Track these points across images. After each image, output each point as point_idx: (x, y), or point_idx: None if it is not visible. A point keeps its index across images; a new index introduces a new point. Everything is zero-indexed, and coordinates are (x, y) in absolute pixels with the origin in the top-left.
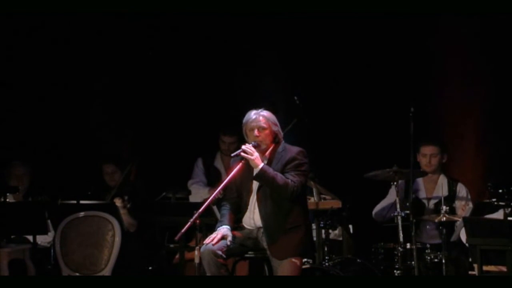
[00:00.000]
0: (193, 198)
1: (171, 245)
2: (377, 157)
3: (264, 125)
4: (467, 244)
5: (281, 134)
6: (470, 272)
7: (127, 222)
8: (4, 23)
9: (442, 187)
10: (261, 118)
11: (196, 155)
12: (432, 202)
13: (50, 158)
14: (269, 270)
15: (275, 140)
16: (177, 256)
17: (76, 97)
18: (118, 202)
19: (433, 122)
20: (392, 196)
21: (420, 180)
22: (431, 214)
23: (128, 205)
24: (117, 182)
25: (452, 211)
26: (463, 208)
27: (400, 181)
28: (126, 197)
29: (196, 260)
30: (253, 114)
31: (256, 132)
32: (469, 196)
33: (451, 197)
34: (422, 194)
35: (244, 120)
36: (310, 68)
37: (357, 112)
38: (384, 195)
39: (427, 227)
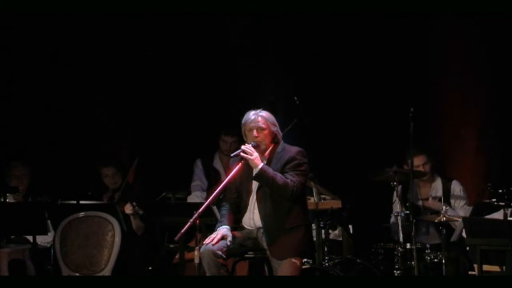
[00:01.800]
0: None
1: (171, 245)
2: (377, 157)
3: (263, 126)
4: None
5: (280, 134)
6: (470, 272)
7: (136, 225)
8: (4, 22)
9: (436, 188)
10: (259, 118)
11: (196, 156)
12: (425, 202)
13: (50, 158)
14: (269, 270)
15: (274, 140)
16: (177, 256)
17: (76, 98)
18: (128, 209)
19: (433, 122)
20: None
21: (415, 182)
22: (426, 215)
23: (141, 212)
24: (119, 184)
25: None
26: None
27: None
28: (134, 203)
29: (196, 260)
30: (252, 115)
31: (255, 132)
32: (464, 194)
33: (446, 197)
34: (418, 196)
35: (243, 121)
36: (310, 68)
37: (357, 112)
38: (384, 195)
39: (423, 229)
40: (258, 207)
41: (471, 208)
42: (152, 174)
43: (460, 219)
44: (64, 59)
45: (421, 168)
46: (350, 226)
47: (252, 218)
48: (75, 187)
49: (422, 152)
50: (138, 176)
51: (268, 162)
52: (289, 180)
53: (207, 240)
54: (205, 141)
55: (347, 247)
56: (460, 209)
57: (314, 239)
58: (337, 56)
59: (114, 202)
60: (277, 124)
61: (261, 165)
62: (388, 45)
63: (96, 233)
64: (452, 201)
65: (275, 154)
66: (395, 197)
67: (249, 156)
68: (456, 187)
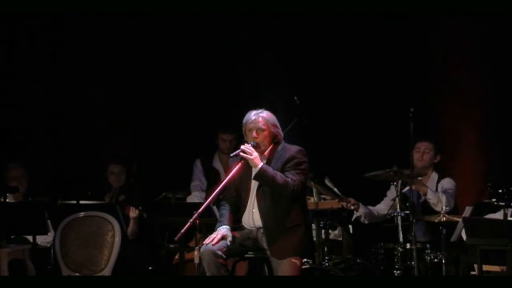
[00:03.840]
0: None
1: (171, 245)
2: (377, 157)
3: (263, 127)
4: None
5: (281, 135)
6: (470, 272)
7: (132, 230)
8: (4, 23)
9: (432, 184)
10: (260, 119)
11: (195, 156)
12: (421, 201)
13: (50, 158)
14: (269, 270)
15: (274, 140)
16: (177, 256)
17: (76, 97)
18: (134, 213)
19: (433, 122)
20: (388, 197)
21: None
22: (420, 213)
23: (145, 216)
24: (123, 183)
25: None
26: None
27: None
28: (140, 207)
29: (196, 260)
30: (252, 115)
31: (254, 133)
32: (452, 187)
33: (436, 191)
34: (414, 194)
35: (244, 120)
36: (310, 68)
37: (357, 112)
38: (384, 195)
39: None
40: (258, 206)
41: (452, 201)
42: (152, 174)
43: (460, 219)
44: (64, 59)
45: (420, 154)
46: (350, 226)
47: (252, 218)
48: (75, 187)
49: (429, 140)
50: (137, 178)
51: (268, 162)
52: (289, 179)
53: (207, 240)
54: (205, 141)
55: (347, 247)
56: (441, 194)
57: (314, 239)
58: (337, 56)
59: (114, 202)
60: (278, 125)
61: (261, 164)
62: (388, 45)
63: (96, 233)
64: (440, 193)
65: (275, 153)
66: (390, 195)
67: (248, 156)
68: (445, 181)
